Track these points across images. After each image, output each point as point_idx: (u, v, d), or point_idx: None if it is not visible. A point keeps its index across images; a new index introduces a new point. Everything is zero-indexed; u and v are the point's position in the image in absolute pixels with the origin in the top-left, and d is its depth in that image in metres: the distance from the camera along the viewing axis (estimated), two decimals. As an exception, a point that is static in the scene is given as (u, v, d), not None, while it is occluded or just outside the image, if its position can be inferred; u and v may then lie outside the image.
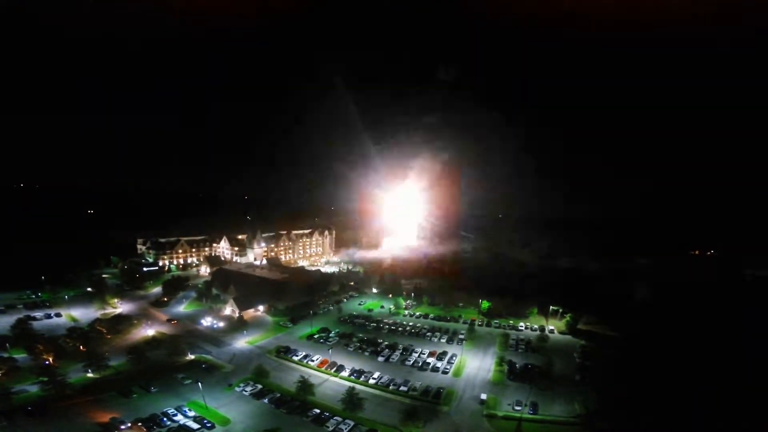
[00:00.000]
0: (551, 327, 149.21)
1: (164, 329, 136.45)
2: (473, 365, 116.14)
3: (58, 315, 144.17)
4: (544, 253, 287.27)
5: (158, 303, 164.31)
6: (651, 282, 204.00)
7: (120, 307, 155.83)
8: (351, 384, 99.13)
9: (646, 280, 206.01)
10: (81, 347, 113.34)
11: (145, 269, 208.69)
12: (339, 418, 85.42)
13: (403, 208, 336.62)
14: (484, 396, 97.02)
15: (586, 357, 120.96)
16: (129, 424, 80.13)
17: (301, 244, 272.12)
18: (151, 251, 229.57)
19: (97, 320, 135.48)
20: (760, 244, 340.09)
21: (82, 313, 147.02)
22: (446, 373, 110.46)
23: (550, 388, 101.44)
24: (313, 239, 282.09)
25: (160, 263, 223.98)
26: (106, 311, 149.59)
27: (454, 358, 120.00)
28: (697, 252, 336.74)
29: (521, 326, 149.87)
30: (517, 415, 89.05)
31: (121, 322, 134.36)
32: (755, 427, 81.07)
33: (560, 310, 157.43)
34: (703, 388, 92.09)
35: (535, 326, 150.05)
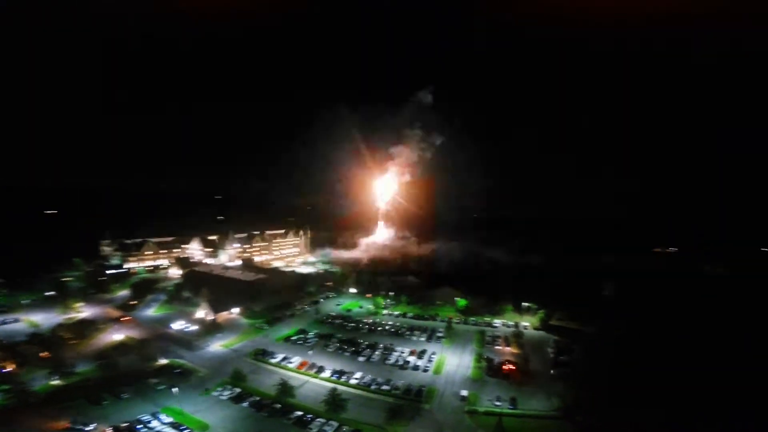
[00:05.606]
0: (525, 323, 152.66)
1: (133, 333, 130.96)
2: (452, 362, 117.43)
3: (16, 320, 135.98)
4: (516, 252, 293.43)
5: (126, 306, 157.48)
6: (618, 278, 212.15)
7: (84, 312, 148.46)
8: (332, 385, 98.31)
9: (613, 277, 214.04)
10: (44, 353, 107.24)
11: (110, 272, 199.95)
12: (323, 420, 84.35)
13: (380, 207, 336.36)
14: (464, 392, 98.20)
15: (560, 352, 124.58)
16: (95, 424, 77.30)
17: (275, 244, 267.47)
18: (116, 253, 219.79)
19: (59, 325, 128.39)
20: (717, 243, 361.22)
21: (43, 318, 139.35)
22: (426, 371, 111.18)
23: (527, 383, 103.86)
24: (288, 239, 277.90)
25: (127, 265, 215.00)
26: (69, 316, 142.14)
27: (433, 356, 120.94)
28: (659, 250, 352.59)
29: (496, 323, 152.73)
30: (498, 410, 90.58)
31: (87, 327, 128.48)
32: (723, 415, 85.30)
33: (533, 307, 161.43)
34: (672, 380, 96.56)
35: (510, 323, 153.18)
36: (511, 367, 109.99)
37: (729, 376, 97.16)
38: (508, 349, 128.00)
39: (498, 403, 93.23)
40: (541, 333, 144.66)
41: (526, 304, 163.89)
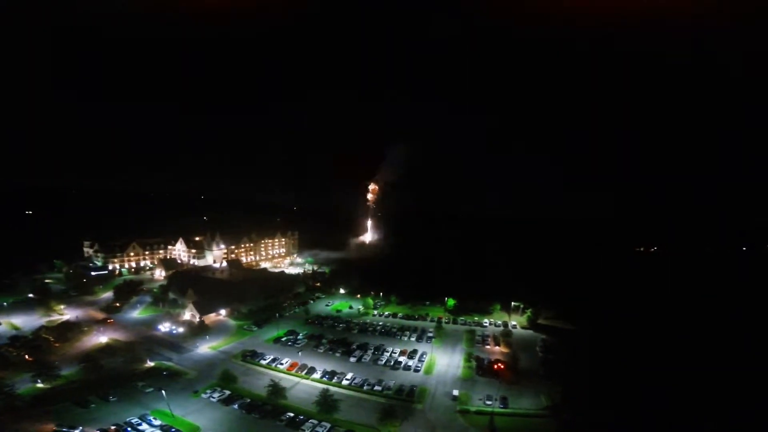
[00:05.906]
0: (514, 322, 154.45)
1: (118, 336, 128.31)
2: (443, 362, 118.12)
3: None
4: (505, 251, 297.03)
5: (110, 309, 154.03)
6: (604, 277, 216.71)
7: (66, 314, 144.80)
8: (324, 386, 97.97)
9: (598, 275, 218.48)
10: (27, 356, 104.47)
11: (93, 273, 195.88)
12: (315, 421, 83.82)
13: (368, 209, 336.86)
14: (455, 392, 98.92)
15: (548, 351, 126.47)
16: (82, 428, 76.06)
17: (263, 245, 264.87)
18: (99, 254, 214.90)
19: (42, 328, 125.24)
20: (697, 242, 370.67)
21: (25, 321, 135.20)
22: (418, 371, 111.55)
23: (516, 382, 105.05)
24: (276, 240, 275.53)
25: (110, 267, 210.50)
26: (51, 318, 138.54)
27: (424, 356, 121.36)
28: (642, 249, 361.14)
29: (486, 322, 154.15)
30: (489, 409, 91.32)
31: (70, 329, 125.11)
32: (703, 412, 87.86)
33: (521, 306, 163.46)
34: (658, 379, 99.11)
35: (499, 322, 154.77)
36: (501, 366, 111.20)
37: (713, 374, 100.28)
38: (497, 348, 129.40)
39: (489, 403, 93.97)
40: (530, 332, 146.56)
41: (515, 303, 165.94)
